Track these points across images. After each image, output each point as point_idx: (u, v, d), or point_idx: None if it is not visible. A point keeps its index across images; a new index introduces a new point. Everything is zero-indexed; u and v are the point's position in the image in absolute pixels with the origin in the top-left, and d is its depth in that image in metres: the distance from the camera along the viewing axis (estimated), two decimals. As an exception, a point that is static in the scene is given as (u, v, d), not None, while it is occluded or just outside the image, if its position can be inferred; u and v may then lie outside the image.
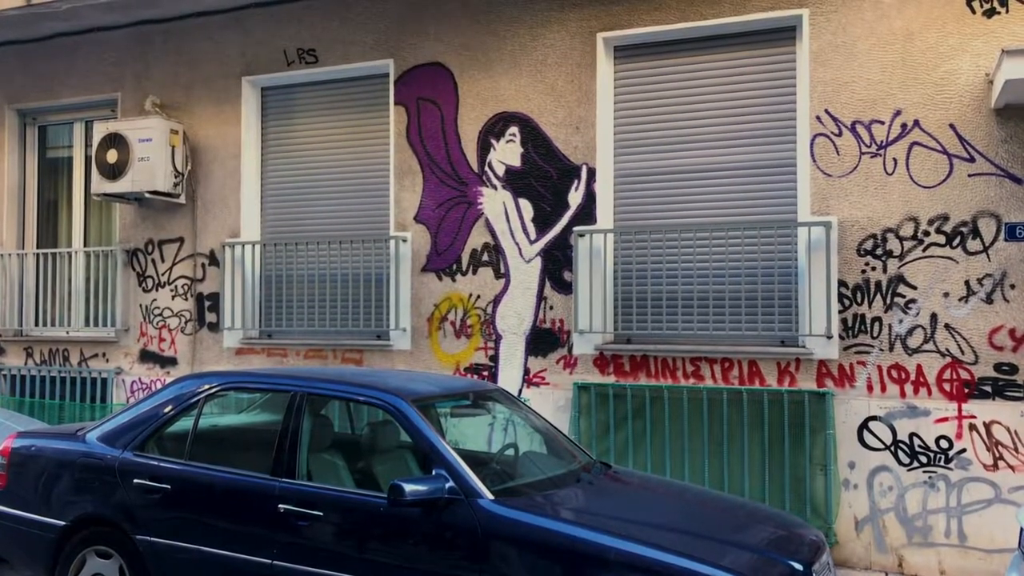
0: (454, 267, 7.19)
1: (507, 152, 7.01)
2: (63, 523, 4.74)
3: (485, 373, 7.02)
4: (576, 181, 6.78)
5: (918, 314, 5.84)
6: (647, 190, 6.74)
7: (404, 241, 7.34)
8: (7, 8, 7.97)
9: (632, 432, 6.43)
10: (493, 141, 7.08)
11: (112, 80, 8.63)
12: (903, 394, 5.86)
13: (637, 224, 6.72)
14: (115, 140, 7.90)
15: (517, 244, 6.98)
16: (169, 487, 4.52)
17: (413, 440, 4.29)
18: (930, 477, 5.77)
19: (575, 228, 6.72)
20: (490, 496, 3.93)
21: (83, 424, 5.38)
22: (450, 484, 3.96)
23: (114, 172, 7.90)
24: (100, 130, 8.01)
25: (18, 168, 9.24)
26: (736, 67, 6.53)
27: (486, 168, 7.10)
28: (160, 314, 8.27)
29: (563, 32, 6.87)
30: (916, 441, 5.80)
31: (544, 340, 6.83)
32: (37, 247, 9.17)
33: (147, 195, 7.93)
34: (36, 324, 8.93)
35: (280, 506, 4.23)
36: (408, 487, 3.85)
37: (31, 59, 9.01)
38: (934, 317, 5.81)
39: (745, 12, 6.34)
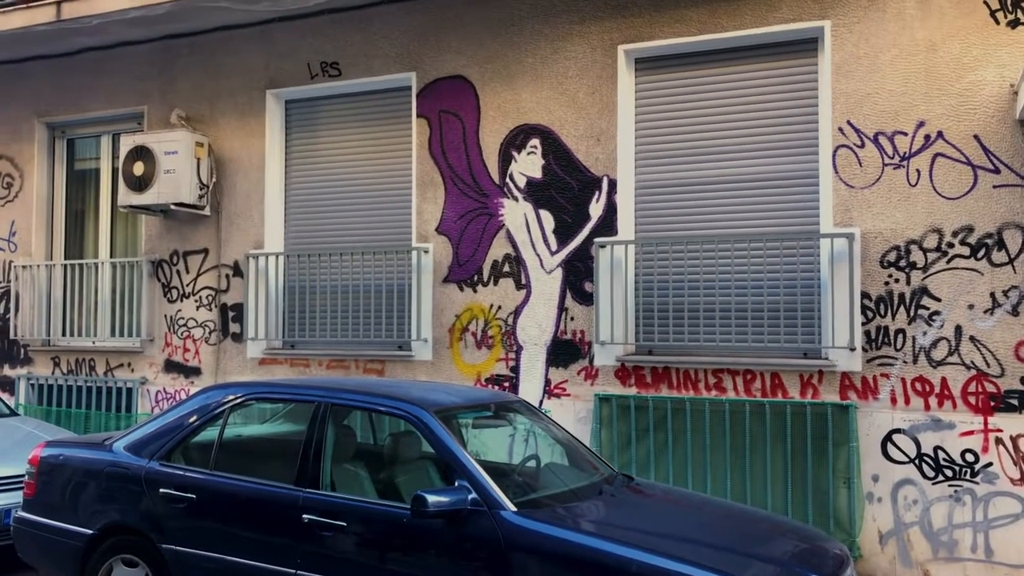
0: (475, 278, 7.22)
1: (528, 164, 7.05)
2: (90, 532, 4.80)
3: (506, 384, 7.03)
4: (597, 192, 6.80)
5: (942, 326, 5.80)
6: (668, 201, 6.74)
7: (426, 252, 7.38)
8: (38, 23, 8.10)
9: (654, 444, 6.42)
10: (514, 153, 7.12)
11: (139, 93, 8.76)
12: (927, 407, 5.81)
13: (658, 235, 6.72)
14: (141, 153, 8.01)
15: (538, 255, 7.00)
16: (194, 496, 4.57)
17: (435, 451, 4.32)
18: (956, 491, 5.72)
19: (596, 239, 6.73)
20: (512, 508, 3.95)
21: (110, 434, 5.45)
22: (473, 496, 3.97)
23: (140, 184, 8.01)
24: (127, 143, 8.12)
25: (47, 180, 9.39)
26: (757, 79, 6.53)
27: (507, 180, 7.13)
28: (185, 324, 8.36)
29: (584, 45, 6.90)
30: (941, 454, 5.75)
31: (565, 351, 6.84)
32: (64, 258, 9.30)
33: (172, 207, 8.02)
34: (63, 334, 9.04)
35: (304, 516, 4.26)
36: (431, 498, 3.87)
37: (60, 73, 9.16)
38: (959, 329, 5.76)
39: (766, 24, 6.35)
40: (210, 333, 8.24)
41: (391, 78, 7.64)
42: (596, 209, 6.80)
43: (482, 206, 7.23)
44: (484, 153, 7.23)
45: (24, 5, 8.18)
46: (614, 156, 6.76)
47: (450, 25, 7.38)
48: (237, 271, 8.14)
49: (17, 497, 5.72)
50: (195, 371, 8.29)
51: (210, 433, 4.84)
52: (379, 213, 7.83)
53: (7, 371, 9.27)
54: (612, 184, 6.75)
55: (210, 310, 8.26)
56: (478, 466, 4.13)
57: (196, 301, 8.32)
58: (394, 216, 7.74)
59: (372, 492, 4.55)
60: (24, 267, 9.16)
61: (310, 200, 8.11)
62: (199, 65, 8.44)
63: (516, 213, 7.08)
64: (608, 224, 6.75)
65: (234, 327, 8.13)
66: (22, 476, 5.61)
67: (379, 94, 7.84)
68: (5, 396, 8.28)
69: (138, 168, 8.00)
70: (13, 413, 7.61)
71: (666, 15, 6.64)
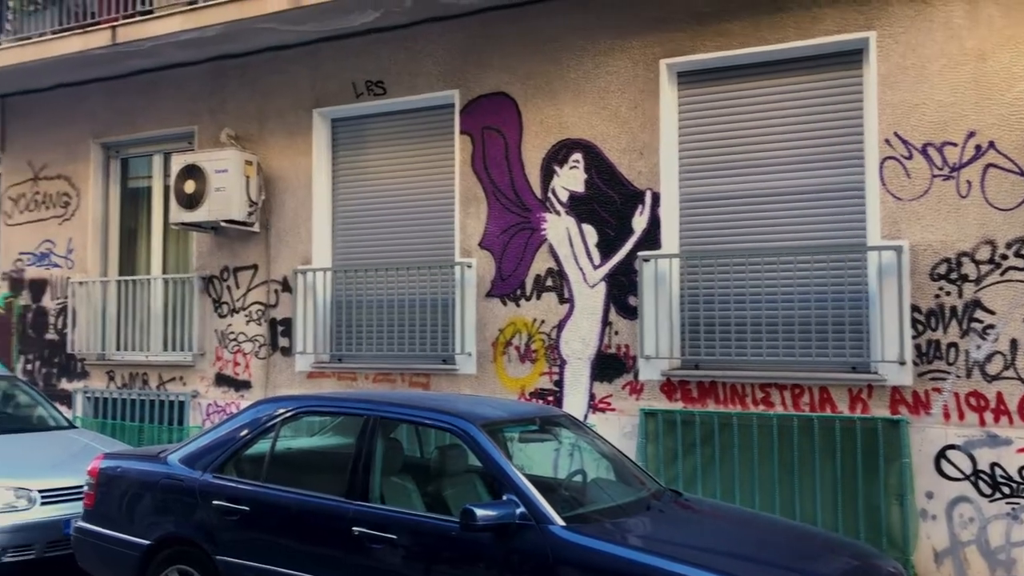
0: (518, 292, 7.26)
1: (571, 178, 7.08)
2: (147, 542, 4.91)
3: (550, 398, 7.05)
4: (640, 206, 6.81)
5: (997, 340, 5.69)
6: (713, 215, 6.72)
7: (469, 267, 7.45)
8: (94, 47, 8.37)
9: (701, 459, 6.38)
10: (556, 168, 7.16)
11: (190, 113, 8.98)
12: (982, 422, 5.70)
13: (704, 249, 6.70)
14: (192, 171, 8.20)
15: (581, 269, 7.02)
16: (247, 509, 4.65)
17: (483, 465, 4.35)
18: (1013, 509, 5.59)
19: (640, 253, 6.74)
20: (561, 522, 3.96)
21: (165, 446, 5.58)
22: (521, 510, 3.99)
23: (191, 202, 8.20)
24: (178, 162, 8.33)
25: (102, 199, 9.66)
26: (802, 91, 6.49)
27: (549, 194, 7.17)
28: (235, 339, 8.52)
29: (626, 59, 6.93)
30: (998, 471, 5.63)
31: (609, 365, 6.84)
32: (119, 274, 9.55)
33: (223, 224, 8.20)
34: (117, 348, 9.27)
35: (354, 528, 4.32)
36: (479, 512, 3.90)
37: (114, 95, 9.44)
38: (1014, 343, 5.65)
39: (811, 36, 6.32)
40: (259, 347, 8.39)
41: (434, 96, 7.75)
42: (639, 223, 6.81)
43: (524, 221, 7.28)
44: (526, 168, 7.29)
45: (81, 30, 8.47)
46: (657, 169, 6.76)
47: (492, 43, 7.46)
48: (286, 286, 8.29)
49: (76, 507, 5.87)
50: (245, 384, 8.44)
51: (262, 446, 4.94)
52: (423, 228, 7.92)
53: (65, 384, 9.53)
54: (656, 197, 6.75)
55: (259, 325, 8.41)
56: (526, 480, 4.15)
57: (246, 316, 8.48)
58: (437, 231, 7.83)
59: (420, 505, 4.59)
60: (80, 283, 9.43)
61: (356, 216, 8.24)
62: (248, 85, 8.63)
63: (559, 227, 7.11)
64: (652, 238, 6.75)
65: (283, 341, 8.27)
66: (81, 487, 5.76)
67: (423, 111, 7.95)
68: (63, 409, 8.50)
69: (189, 186, 8.19)
70: (71, 426, 7.82)
71: (708, 29, 6.64)
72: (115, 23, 8.21)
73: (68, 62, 8.77)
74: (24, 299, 9.97)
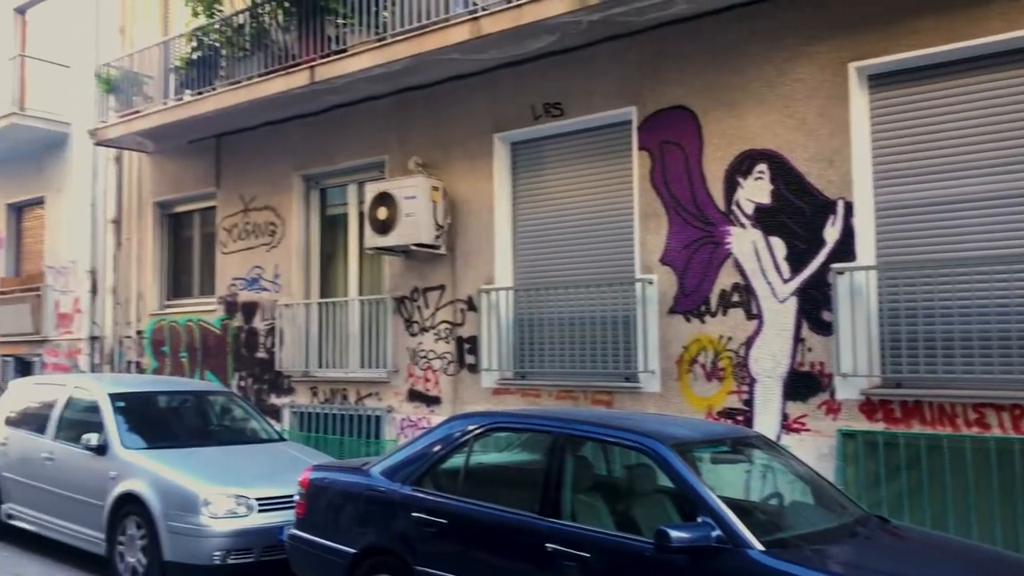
0: (702, 308, 7.12)
1: (755, 190, 6.88)
2: (353, 551, 5.21)
3: (739, 418, 6.85)
4: (832, 216, 6.50)
5: None
6: (913, 223, 6.31)
7: (650, 283, 7.40)
8: (295, 87, 9.04)
9: (907, 484, 5.97)
10: (740, 179, 6.98)
11: (380, 144, 9.52)
12: None
13: (904, 260, 6.30)
14: (384, 199, 8.67)
15: (769, 283, 6.80)
16: (444, 521, 4.84)
17: (675, 485, 4.31)
18: None
19: (833, 265, 6.43)
20: (760, 547, 3.85)
21: (367, 459, 5.92)
22: (717, 532, 3.92)
23: (384, 228, 8.66)
24: (371, 190, 8.84)
25: (303, 227, 10.40)
26: (1008, 88, 5.98)
27: (733, 207, 7.01)
28: (425, 356, 8.90)
29: (811, 65, 6.66)
30: None
31: (803, 384, 6.56)
32: (319, 297, 10.23)
33: (412, 247, 8.61)
34: (319, 366, 9.92)
35: (547, 545, 4.39)
36: (674, 533, 3.87)
37: (313, 130, 10.16)
38: None
39: (1019, 27, 5.82)
40: (448, 364, 8.72)
41: (612, 114, 7.78)
42: (831, 234, 6.50)
43: (707, 235, 7.14)
44: (708, 181, 7.16)
45: (283, 71, 9.18)
46: (849, 177, 6.44)
47: (670, 57, 7.41)
48: (471, 306, 8.57)
49: (286, 516, 6.33)
50: (435, 400, 8.79)
51: (456, 460, 5.13)
52: (602, 246, 7.96)
53: (274, 399, 10.31)
54: (848, 207, 6.43)
55: (447, 343, 8.74)
56: (720, 502, 4.06)
57: (435, 334, 8.85)
58: (617, 248, 7.83)
59: (611, 524, 4.60)
60: (286, 306, 10.18)
61: (537, 236, 8.40)
62: (432, 114, 9.04)
63: (744, 241, 6.93)
64: (845, 249, 6.43)
65: (469, 358, 8.55)
66: (292, 496, 6.20)
67: (600, 130, 8.00)
68: (273, 422, 9.17)
69: (381, 213, 8.67)
70: (281, 438, 8.44)
71: (900, 28, 6.27)
72: (313, 63, 8.84)
73: (272, 102, 9.53)
74: (237, 321, 10.88)
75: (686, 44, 7.31)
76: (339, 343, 9.75)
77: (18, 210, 14.76)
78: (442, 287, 8.83)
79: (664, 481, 4.54)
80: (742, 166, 6.97)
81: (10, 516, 7.99)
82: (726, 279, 7.00)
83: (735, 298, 6.95)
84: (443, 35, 7.78)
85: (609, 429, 4.67)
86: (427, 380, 8.87)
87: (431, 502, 4.97)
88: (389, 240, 8.64)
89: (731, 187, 7.03)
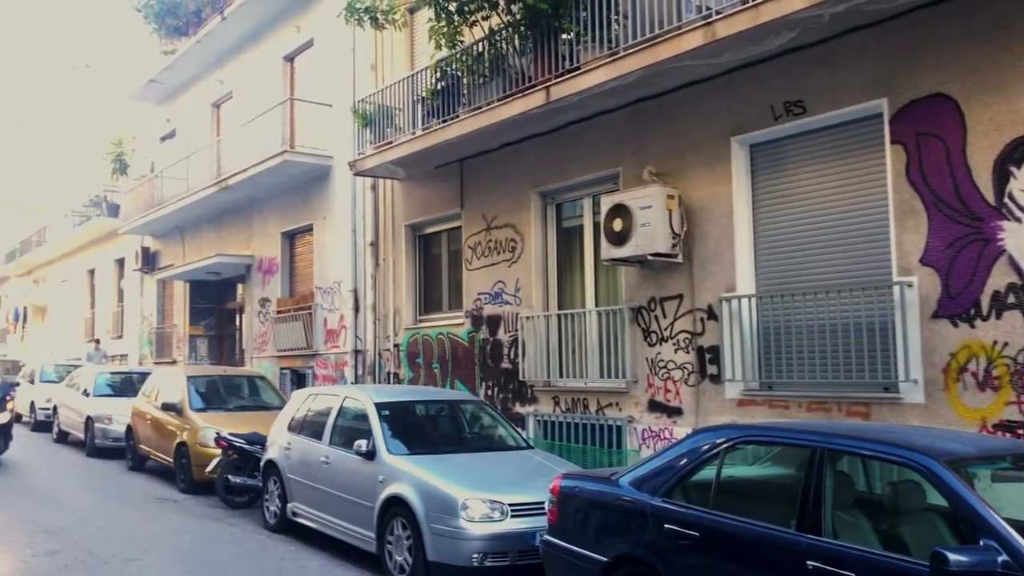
0: (972, 312, 6.52)
1: (1033, 180, 6.21)
2: (605, 559, 5.30)
3: (1020, 432, 6.19)
4: None
5: None
6: None
7: (909, 286, 6.89)
8: (531, 108, 9.38)
9: None
10: (1013, 169, 6.33)
11: (613, 156, 9.63)
12: None
13: None
14: (619, 210, 8.76)
15: (1054, 283, 6.09)
16: (697, 534, 4.80)
17: (950, 504, 4.00)
18: None
19: None
20: (1060, 579, 3.47)
21: (615, 468, 6.00)
22: (1003, 558, 3.59)
23: (619, 239, 8.75)
24: (606, 202, 8.96)
25: (541, 242, 10.76)
26: None
27: (1006, 200, 6.36)
28: (664, 366, 8.87)
29: (1100, 34, 5.92)
30: None
31: (1099, 394, 5.82)
32: (558, 308, 10.52)
33: (649, 257, 8.62)
34: (560, 376, 10.18)
35: (808, 562, 4.22)
36: (953, 556, 3.59)
37: (548, 147, 10.49)
38: None
39: None
40: (688, 375, 8.62)
41: (859, 108, 7.36)
42: None
43: (975, 231, 6.54)
44: (974, 173, 6.56)
45: (520, 94, 9.57)
46: None
47: (925, 42, 6.88)
48: (711, 314, 8.43)
49: (537, 521, 6.57)
50: (676, 411, 8.72)
51: (706, 473, 5.07)
52: (851, 248, 7.53)
53: (518, 408, 10.72)
54: None
55: (687, 352, 8.65)
56: (1007, 525, 3.71)
57: (674, 344, 8.79)
58: (869, 250, 7.38)
59: (875, 543, 4.35)
60: (527, 318, 10.56)
61: (779, 240, 8.11)
62: (666, 123, 9.01)
63: (1020, 237, 6.26)
64: None
65: (711, 369, 8.41)
66: (541, 503, 6.43)
67: (845, 126, 7.59)
68: (519, 430, 9.54)
69: (617, 224, 8.76)
70: (529, 446, 8.76)
71: None
72: (548, 83, 9.14)
73: (510, 124, 9.96)
74: (483, 333, 11.45)
75: (943, 26, 6.76)
76: (578, 353, 9.94)
77: (291, 237, 16.50)
78: (680, 296, 8.76)
79: (934, 499, 4.22)
80: (1015, 154, 6.33)
81: (295, 514, 8.91)
82: (1000, 279, 6.37)
83: (1011, 300, 6.31)
84: (676, 43, 7.74)
85: (873, 443, 4.42)
86: (667, 391, 8.82)
87: (682, 514, 4.95)
88: (625, 251, 8.71)
89: (1002, 178, 6.39)
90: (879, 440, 4.41)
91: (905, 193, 6.99)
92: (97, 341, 23.10)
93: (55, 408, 17.52)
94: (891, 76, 7.10)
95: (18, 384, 17.73)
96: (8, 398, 13.92)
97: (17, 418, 16.49)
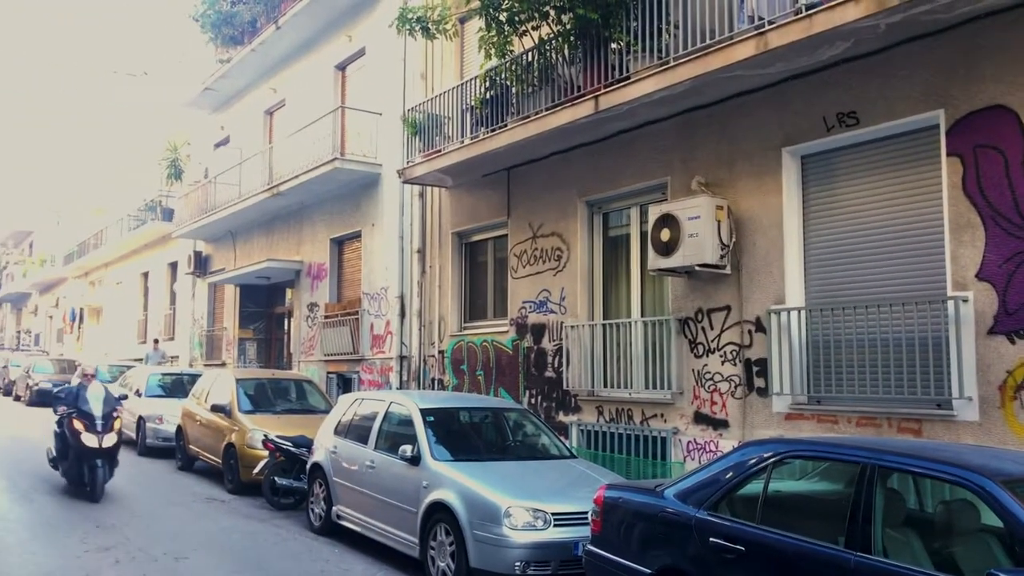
0: (1031, 329, 6.36)
1: (1097, 194, 6.04)
2: (649, 571, 5.27)
3: (1081, 452, 6.01)
4: None
5: None
6: None
7: (964, 301, 6.74)
8: (580, 117, 9.39)
9: None
10: (1076, 183, 6.17)
11: (662, 166, 9.59)
12: None
13: None
14: (667, 220, 8.71)
15: (1117, 300, 5.91)
16: (743, 549, 4.75)
17: (1006, 525, 3.90)
18: None
19: None
20: (1121, 604, 3.36)
21: (659, 480, 5.97)
22: (1062, 582, 3.49)
23: (667, 249, 8.70)
24: (654, 212, 8.92)
25: (587, 251, 10.75)
26: None
27: (1068, 214, 6.20)
28: (711, 378, 8.79)
29: None
30: None
31: None
32: (603, 318, 10.49)
33: (696, 268, 8.55)
34: (604, 385, 10.15)
35: (857, 581, 4.16)
36: (1008, 580, 3.50)
37: (596, 156, 10.48)
38: None
39: None
40: (735, 387, 8.53)
41: (914, 119, 7.24)
42: None
43: (1035, 246, 6.38)
44: (1034, 186, 6.41)
45: (569, 103, 9.58)
46: None
47: (984, 53, 6.74)
48: (759, 327, 8.33)
49: (580, 531, 6.54)
50: (723, 424, 8.63)
51: (753, 487, 5.01)
52: (904, 262, 7.40)
53: (561, 417, 10.71)
54: None
55: (734, 365, 8.56)
56: (1066, 548, 3.61)
57: (721, 356, 8.71)
58: (922, 264, 7.25)
59: (927, 563, 4.26)
60: (572, 327, 10.55)
61: (830, 253, 7.99)
62: (716, 132, 8.95)
63: (1083, 252, 6.10)
64: None
65: (758, 382, 8.31)
66: (585, 513, 6.41)
67: (900, 137, 7.47)
68: (562, 439, 9.52)
69: (664, 234, 8.71)
70: (572, 455, 8.74)
71: None
72: (597, 93, 9.14)
73: (559, 133, 9.98)
74: (527, 341, 11.46)
75: (1004, 36, 6.62)
76: (623, 363, 9.90)
77: (339, 243, 16.72)
78: (728, 307, 8.68)
79: (989, 519, 4.12)
80: (1078, 167, 6.16)
81: (339, 517, 9.00)
82: (1060, 296, 6.20)
83: (1073, 317, 6.14)
84: (727, 53, 7.69)
85: (925, 461, 4.33)
86: (713, 403, 8.74)
87: (728, 528, 4.90)
88: (672, 261, 8.66)
89: (1064, 191, 6.23)
90: (932, 458, 4.32)
91: (961, 206, 6.85)
92: (156, 341, 23.55)
93: (109, 407, 17.91)
94: (948, 87, 6.97)
95: (126, 397, 13.27)
96: (114, 415, 10.86)
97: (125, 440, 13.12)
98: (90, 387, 10.84)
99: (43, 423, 20.63)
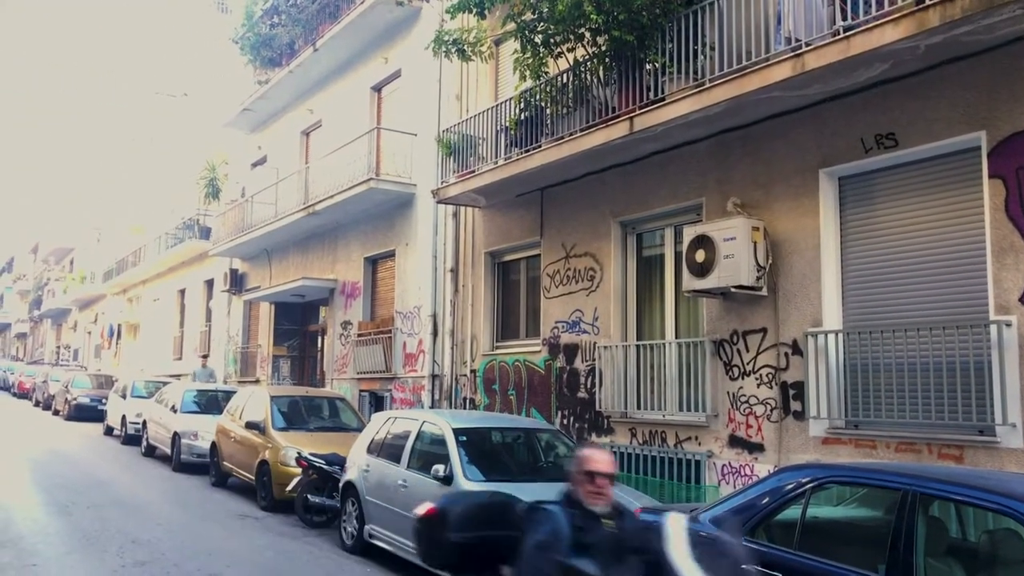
0: (1077, 354, 6.22)
1: None
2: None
3: None
4: None
5: None
6: None
7: (1008, 325, 6.62)
8: (614, 138, 9.39)
9: None
10: (1123, 206, 6.04)
11: (696, 187, 9.56)
12: None
13: None
14: (702, 241, 8.67)
15: None
16: (780, 575, 4.67)
17: (1053, 558, 3.80)
18: None
19: None
20: None
21: (695, 505, 5.90)
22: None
23: (702, 270, 8.66)
24: (688, 233, 8.88)
25: (620, 272, 10.72)
26: None
27: (1115, 238, 6.07)
28: (746, 401, 8.69)
29: None
30: None
31: None
32: (636, 339, 10.43)
33: (732, 289, 8.49)
34: (637, 407, 10.08)
35: (898, 611, 4.07)
36: (1057, 613, 3.41)
37: (630, 177, 10.48)
38: None
39: None
40: (771, 411, 8.43)
41: (954, 141, 7.15)
42: None
43: (1080, 270, 6.25)
44: (1080, 209, 6.29)
45: (603, 124, 9.60)
46: None
47: (1026, 74, 6.66)
48: (796, 349, 8.24)
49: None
50: (758, 447, 8.52)
51: (790, 513, 4.94)
52: (945, 285, 7.30)
53: (594, 438, 10.64)
54: None
55: (770, 388, 8.47)
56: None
57: (756, 379, 8.61)
58: (963, 287, 7.13)
59: (971, 594, 4.16)
60: (605, 348, 10.51)
61: (868, 275, 7.90)
62: (752, 154, 8.91)
63: None
64: None
65: (795, 405, 8.20)
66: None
67: (939, 159, 7.38)
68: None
69: (699, 255, 8.67)
70: (605, 478, 8.65)
71: None
72: (632, 114, 9.14)
73: (593, 154, 9.99)
74: (560, 362, 11.43)
75: (1046, 58, 6.54)
76: (657, 385, 9.83)
77: (373, 262, 16.85)
78: (764, 330, 8.60)
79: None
80: (1124, 190, 6.04)
81: (371, 536, 9.01)
82: (1108, 321, 6.06)
83: (1121, 343, 5.99)
84: (764, 75, 7.66)
85: (968, 489, 4.24)
86: (749, 426, 8.64)
87: (765, 554, 4.81)
88: (707, 282, 8.61)
89: (1111, 214, 6.11)
90: (975, 486, 4.23)
91: (1004, 229, 6.74)
92: (204, 357, 23.20)
93: (144, 423, 18.18)
94: (990, 108, 6.88)
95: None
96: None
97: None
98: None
99: (80, 437, 21.08)
